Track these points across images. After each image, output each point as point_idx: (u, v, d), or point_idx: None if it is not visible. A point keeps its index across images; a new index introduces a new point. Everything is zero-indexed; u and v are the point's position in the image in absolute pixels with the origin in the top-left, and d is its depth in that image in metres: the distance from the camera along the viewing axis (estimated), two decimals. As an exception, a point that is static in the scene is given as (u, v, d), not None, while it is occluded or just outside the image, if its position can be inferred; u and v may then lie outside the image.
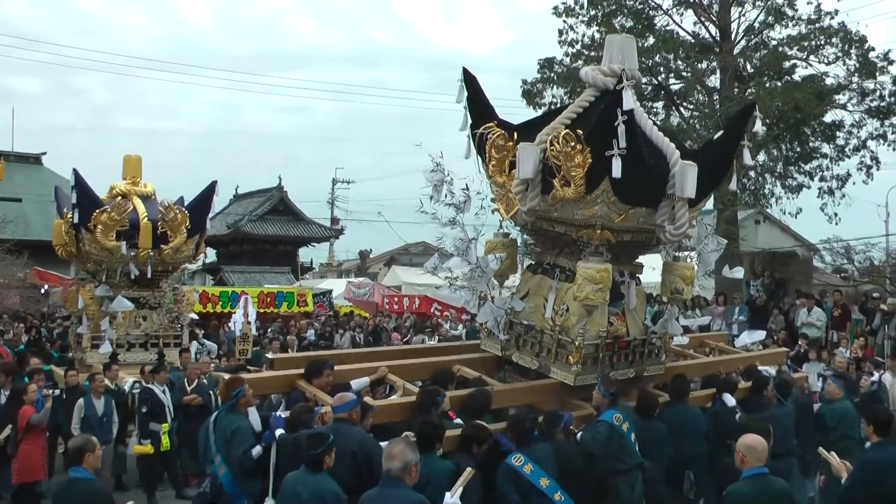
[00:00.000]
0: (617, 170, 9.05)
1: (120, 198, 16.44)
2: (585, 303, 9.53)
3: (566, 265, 10.38)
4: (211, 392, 13.70)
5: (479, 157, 10.62)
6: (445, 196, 10.47)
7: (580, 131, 9.31)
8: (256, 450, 8.46)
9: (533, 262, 11.27)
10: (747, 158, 10.38)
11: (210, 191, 17.40)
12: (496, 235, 11.19)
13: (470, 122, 10.58)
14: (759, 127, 10.40)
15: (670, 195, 9.68)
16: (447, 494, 6.77)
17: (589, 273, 9.44)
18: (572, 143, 9.20)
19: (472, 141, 10.56)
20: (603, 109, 9.54)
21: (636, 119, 9.79)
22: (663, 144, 9.91)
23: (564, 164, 9.29)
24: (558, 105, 29.73)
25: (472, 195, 10.58)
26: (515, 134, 10.03)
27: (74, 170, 16.05)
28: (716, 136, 11.81)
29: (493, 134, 10.07)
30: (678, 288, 10.37)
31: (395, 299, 31.32)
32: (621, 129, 8.94)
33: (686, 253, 10.93)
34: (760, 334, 15.45)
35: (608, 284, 9.52)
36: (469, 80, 10.70)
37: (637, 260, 10.99)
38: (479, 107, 10.61)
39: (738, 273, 13.24)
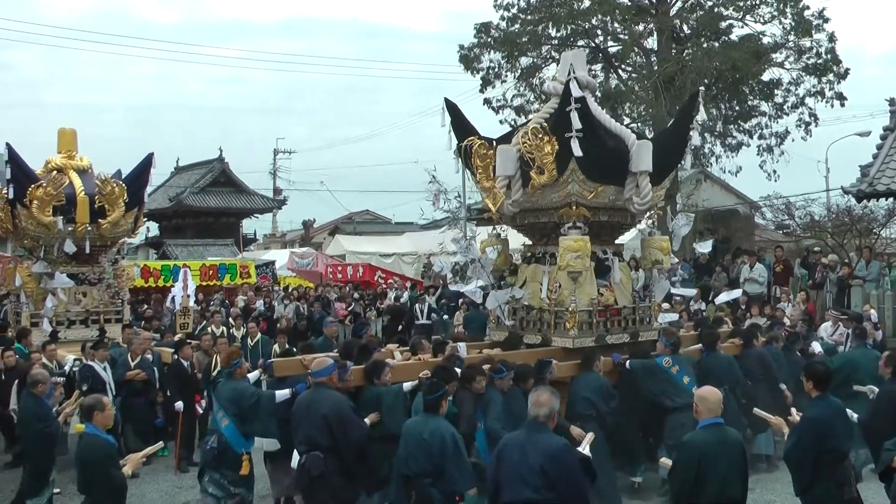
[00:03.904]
0: (577, 149, 10.63)
1: (56, 172, 16.11)
2: (569, 270, 11.10)
3: (555, 251, 11.64)
4: (154, 367, 13.53)
5: (467, 170, 12.48)
6: (444, 204, 12.88)
7: (545, 124, 11.20)
8: (282, 394, 9.79)
9: (527, 255, 12.74)
10: (696, 140, 12.22)
11: (147, 163, 17.08)
12: (490, 236, 12.90)
13: (455, 142, 12.35)
14: (702, 114, 12.01)
15: (633, 172, 11.17)
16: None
17: (567, 243, 11.06)
18: (541, 135, 11.02)
19: (459, 158, 12.44)
20: (560, 102, 11.30)
21: (592, 111, 11.49)
22: (620, 130, 11.60)
23: (537, 155, 11.05)
24: (496, 69, 29.91)
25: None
26: (494, 143, 11.87)
27: (7, 144, 15.68)
28: (669, 124, 13.49)
29: (476, 145, 11.92)
30: (658, 259, 12.13)
31: (339, 268, 31.12)
32: (574, 115, 10.58)
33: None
34: (737, 293, 16.84)
35: (586, 252, 11.08)
36: (450, 107, 12.49)
37: (617, 241, 12.69)
38: (461, 127, 12.39)
39: (706, 248, 15.10)
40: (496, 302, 12.34)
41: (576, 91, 10.81)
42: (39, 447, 10.02)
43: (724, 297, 16.06)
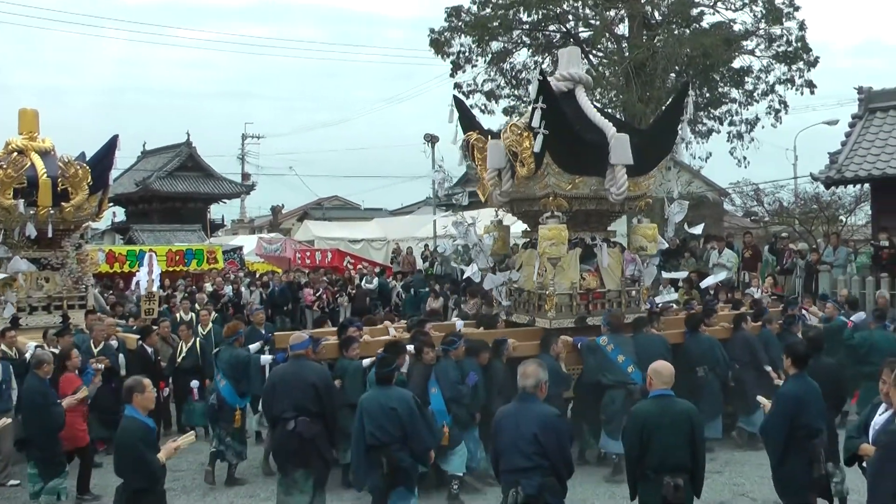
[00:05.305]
0: (538, 145, 11.54)
1: (16, 154, 15.69)
2: (546, 256, 11.93)
3: None
4: (121, 354, 13.28)
5: (471, 160, 13.82)
6: (447, 191, 13.25)
7: (524, 120, 12.28)
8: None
9: (525, 241, 13.95)
10: (686, 132, 13.05)
11: (112, 145, 16.71)
12: (492, 222, 14.18)
13: (462, 136, 13.67)
14: (691, 107, 12.81)
15: (612, 164, 11.88)
16: None
17: (543, 231, 11.94)
18: (519, 131, 12.23)
19: (464, 150, 13.93)
20: (534, 100, 11.97)
21: (581, 105, 12.75)
22: (602, 123, 12.38)
23: (519, 148, 12.18)
24: (466, 53, 29.76)
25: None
26: (489, 137, 13.15)
27: (-35, 126, 15.30)
28: (658, 116, 14.66)
29: (472, 139, 13.36)
30: (642, 245, 12.85)
31: (308, 254, 30.91)
32: (537, 112, 11.40)
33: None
34: (722, 275, 17.69)
35: (561, 240, 11.85)
36: (458, 103, 14.07)
37: (609, 227, 13.52)
38: (466, 121, 13.82)
39: (698, 230, 15.84)
40: (492, 284, 13.40)
41: (547, 90, 11.64)
42: (44, 428, 9.86)
43: (710, 281, 16.64)
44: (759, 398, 8.86)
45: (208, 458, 11.76)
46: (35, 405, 9.90)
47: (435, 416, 10.27)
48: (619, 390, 11.38)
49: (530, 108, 12.33)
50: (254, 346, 12.46)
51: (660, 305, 13.87)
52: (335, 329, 12.93)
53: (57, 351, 11.90)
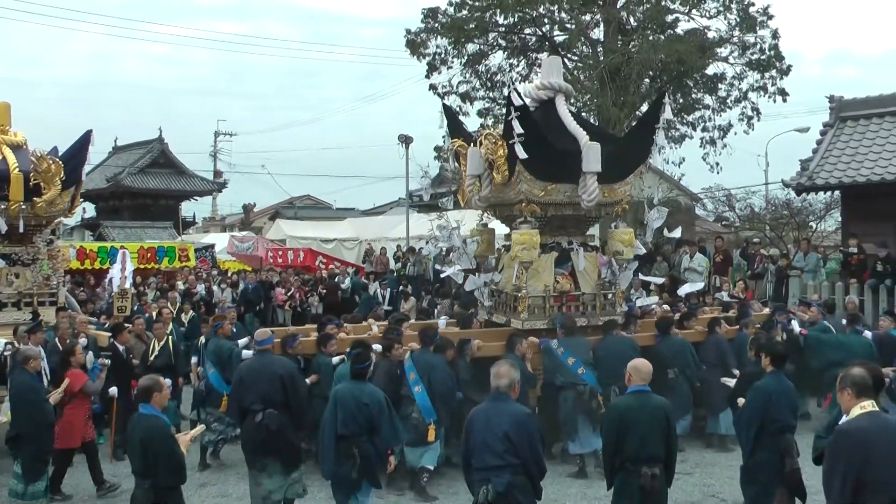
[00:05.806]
0: (520, 151, 11.70)
1: (-12, 148, 15.50)
2: (518, 260, 12.34)
3: None
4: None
5: (458, 165, 14.27)
6: (432, 196, 14.45)
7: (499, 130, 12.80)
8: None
9: (506, 244, 13.93)
10: (661, 140, 13.06)
11: (85, 140, 16.46)
12: (477, 225, 14.47)
13: (449, 141, 14.39)
14: (669, 114, 12.81)
15: (583, 171, 12.07)
16: None
17: (516, 237, 12.40)
18: (494, 139, 12.63)
19: (452, 156, 14.43)
20: (506, 111, 12.40)
21: (559, 113, 13.06)
22: (577, 131, 12.61)
23: (494, 157, 12.62)
24: (442, 55, 29.82)
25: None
26: (472, 144, 13.47)
27: (-66, 118, 15.06)
28: (634, 124, 15.04)
29: (455, 145, 13.94)
30: (619, 250, 13.07)
31: (280, 253, 30.80)
32: (515, 122, 11.66)
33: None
34: (699, 284, 17.79)
35: (532, 245, 12.23)
36: (447, 110, 15.17)
37: (588, 232, 14.10)
38: (454, 128, 14.55)
39: (676, 233, 16.00)
40: (473, 285, 13.83)
41: (517, 100, 11.88)
42: (36, 424, 9.82)
43: (687, 289, 16.75)
44: (740, 399, 9.05)
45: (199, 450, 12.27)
46: (26, 401, 9.88)
47: (423, 413, 10.81)
48: (570, 391, 11.78)
49: (504, 119, 12.72)
50: (242, 341, 12.71)
51: (640, 308, 14.22)
52: (314, 326, 13.49)
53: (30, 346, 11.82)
